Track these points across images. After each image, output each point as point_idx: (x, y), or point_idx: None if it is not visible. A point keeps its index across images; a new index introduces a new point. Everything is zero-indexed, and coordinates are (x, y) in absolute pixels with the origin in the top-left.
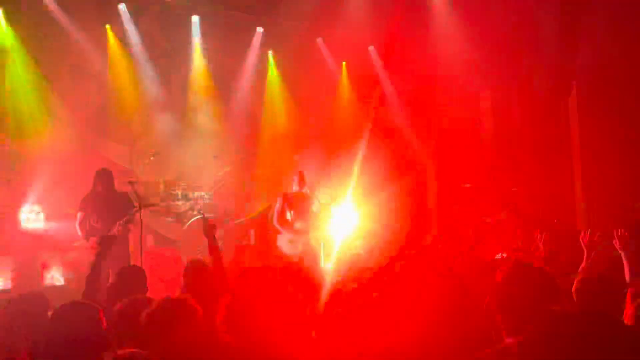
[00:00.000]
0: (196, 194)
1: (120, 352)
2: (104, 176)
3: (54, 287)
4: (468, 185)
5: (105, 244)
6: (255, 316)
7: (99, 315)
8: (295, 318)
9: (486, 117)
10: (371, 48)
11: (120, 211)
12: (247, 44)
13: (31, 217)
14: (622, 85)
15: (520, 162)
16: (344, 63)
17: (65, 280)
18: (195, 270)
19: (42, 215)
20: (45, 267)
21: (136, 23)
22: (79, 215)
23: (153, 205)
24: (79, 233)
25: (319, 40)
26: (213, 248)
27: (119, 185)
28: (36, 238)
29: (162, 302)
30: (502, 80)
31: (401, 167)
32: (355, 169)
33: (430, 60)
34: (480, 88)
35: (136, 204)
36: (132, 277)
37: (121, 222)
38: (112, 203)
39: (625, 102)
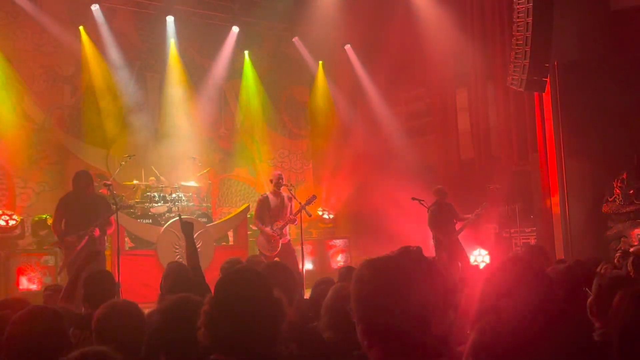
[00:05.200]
0: (174, 195)
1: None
2: (82, 178)
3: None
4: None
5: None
6: None
7: (60, 319)
8: None
9: (462, 113)
10: (347, 46)
11: (97, 213)
12: (223, 43)
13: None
14: (596, 81)
15: (496, 158)
16: (320, 62)
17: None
18: (175, 272)
19: (18, 218)
20: (21, 271)
21: (110, 24)
22: (54, 216)
23: (130, 207)
24: (54, 234)
25: (296, 39)
26: (190, 246)
27: (95, 188)
28: (12, 242)
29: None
30: (478, 77)
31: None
32: None
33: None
34: (457, 84)
35: (113, 207)
36: (101, 281)
37: (99, 223)
38: (88, 205)
39: (599, 98)
